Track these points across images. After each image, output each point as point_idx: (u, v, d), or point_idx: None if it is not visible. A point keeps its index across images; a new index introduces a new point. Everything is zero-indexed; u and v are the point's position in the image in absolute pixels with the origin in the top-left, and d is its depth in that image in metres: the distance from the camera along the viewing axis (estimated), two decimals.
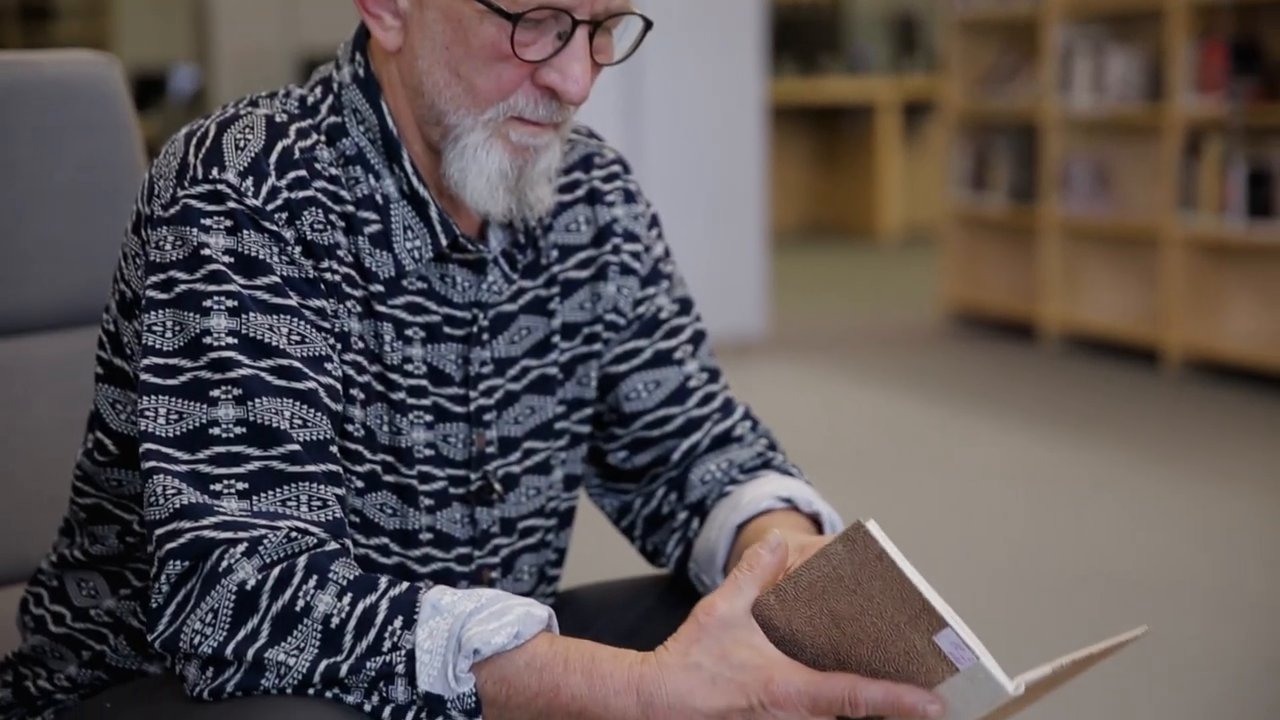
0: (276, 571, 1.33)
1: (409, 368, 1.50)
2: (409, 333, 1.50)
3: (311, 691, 1.31)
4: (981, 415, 5.87)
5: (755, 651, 1.31)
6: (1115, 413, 5.91)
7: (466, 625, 1.31)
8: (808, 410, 5.95)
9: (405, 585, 1.34)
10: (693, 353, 1.65)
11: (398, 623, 1.31)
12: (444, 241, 1.50)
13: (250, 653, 1.31)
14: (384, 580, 1.34)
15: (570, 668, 1.32)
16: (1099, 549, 4.33)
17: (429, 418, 1.51)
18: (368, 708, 1.32)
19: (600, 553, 2.42)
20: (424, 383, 1.50)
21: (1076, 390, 6.32)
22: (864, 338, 7.48)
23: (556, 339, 1.59)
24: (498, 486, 1.55)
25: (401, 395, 1.49)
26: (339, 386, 1.44)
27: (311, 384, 1.40)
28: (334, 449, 1.41)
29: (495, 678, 1.31)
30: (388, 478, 1.49)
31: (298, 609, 1.32)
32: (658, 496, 1.65)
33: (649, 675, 1.31)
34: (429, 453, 1.51)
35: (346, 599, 1.32)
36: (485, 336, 1.54)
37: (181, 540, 1.34)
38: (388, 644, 1.31)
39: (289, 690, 1.32)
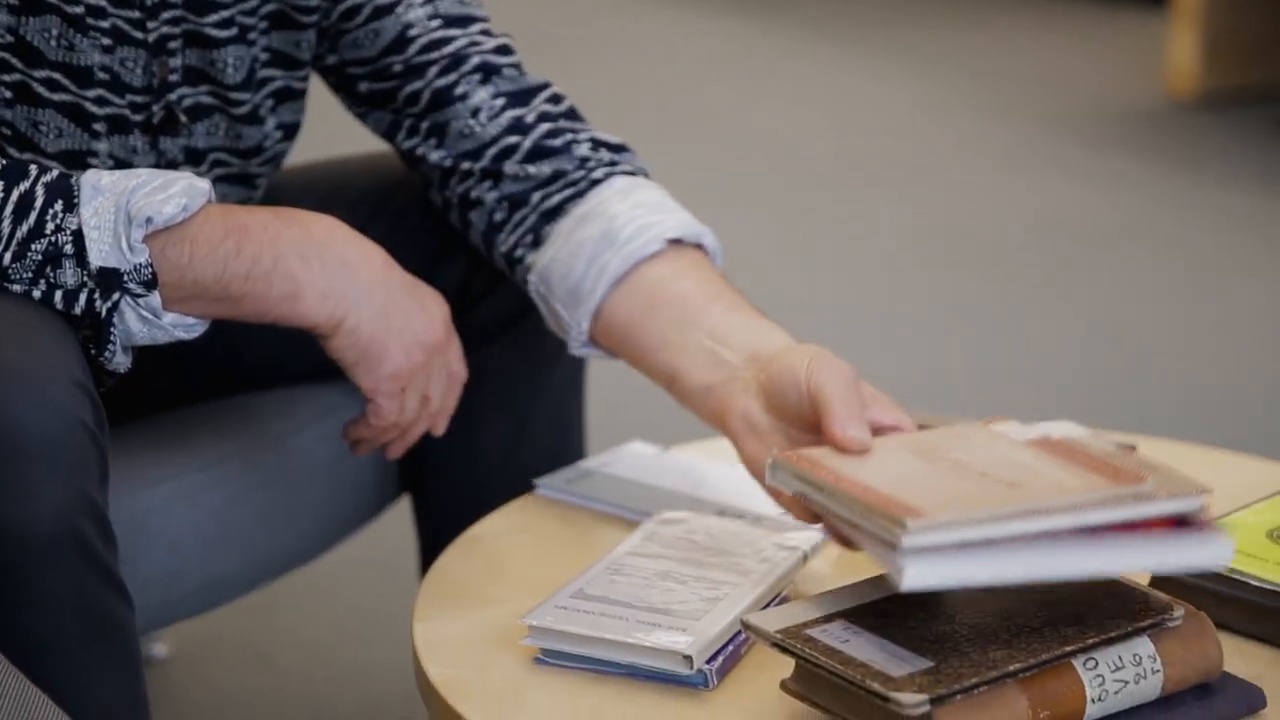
0: None
1: None
2: None
3: None
4: None
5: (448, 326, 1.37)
6: None
7: (132, 199, 1.29)
8: None
9: (57, 172, 1.30)
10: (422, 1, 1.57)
11: (58, 206, 1.28)
12: None
13: None
14: (34, 167, 1.30)
15: (254, 211, 1.34)
16: (777, 124, 4.43)
17: (107, 41, 1.45)
18: (36, 295, 1.28)
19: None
20: (104, 4, 1.43)
21: None
22: None
23: None
24: (183, 117, 1.50)
25: (79, 10, 1.42)
26: None
27: None
28: None
29: (175, 238, 1.30)
30: (56, 96, 1.43)
31: None
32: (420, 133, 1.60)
33: (329, 238, 1.36)
34: (104, 77, 1.45)
35: None
36: None
37: None
38: (50, 226, 1.28)
39: None
